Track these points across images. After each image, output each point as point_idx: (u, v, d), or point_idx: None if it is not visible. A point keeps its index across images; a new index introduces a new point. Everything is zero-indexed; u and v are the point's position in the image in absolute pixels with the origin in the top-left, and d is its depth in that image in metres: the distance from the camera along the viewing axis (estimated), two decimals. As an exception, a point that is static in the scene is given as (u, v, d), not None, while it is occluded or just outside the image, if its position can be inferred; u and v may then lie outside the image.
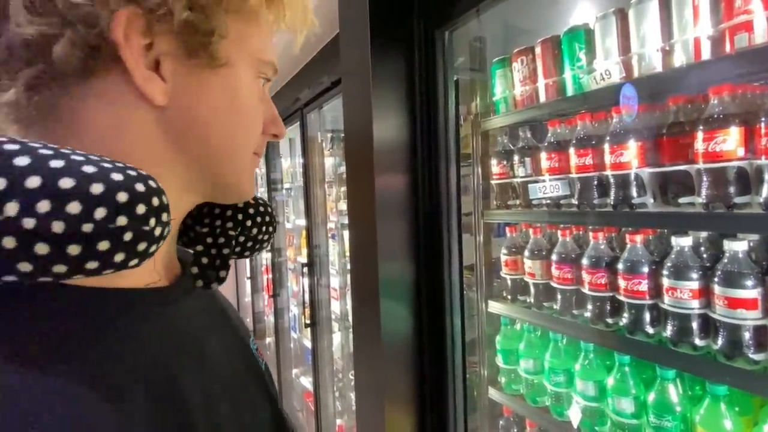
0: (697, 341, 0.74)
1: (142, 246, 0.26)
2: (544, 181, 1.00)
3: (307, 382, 2.59)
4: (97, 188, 0.24)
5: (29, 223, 0.22)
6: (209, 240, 0.42)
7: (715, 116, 0.68)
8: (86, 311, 0.28)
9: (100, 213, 0.24)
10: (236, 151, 0.37)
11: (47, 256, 0.23)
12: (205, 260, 0.40)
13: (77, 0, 0.28)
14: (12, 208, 0.22)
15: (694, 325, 0.74)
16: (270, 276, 3.06)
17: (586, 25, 0.90)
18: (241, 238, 0.46)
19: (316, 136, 2.29)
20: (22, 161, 0.23)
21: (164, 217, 0.28)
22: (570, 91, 0.93)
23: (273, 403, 0.43)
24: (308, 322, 2.20)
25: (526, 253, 1.08)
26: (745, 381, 0.67)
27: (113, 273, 0.26)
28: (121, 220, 0.25)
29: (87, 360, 0.26)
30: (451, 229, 1.33)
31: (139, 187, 0.26)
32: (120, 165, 0.26)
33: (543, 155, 1.00)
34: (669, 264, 0.77)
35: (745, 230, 0.70)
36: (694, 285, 0.73)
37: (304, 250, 2.37)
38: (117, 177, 0.25)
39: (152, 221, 0.26)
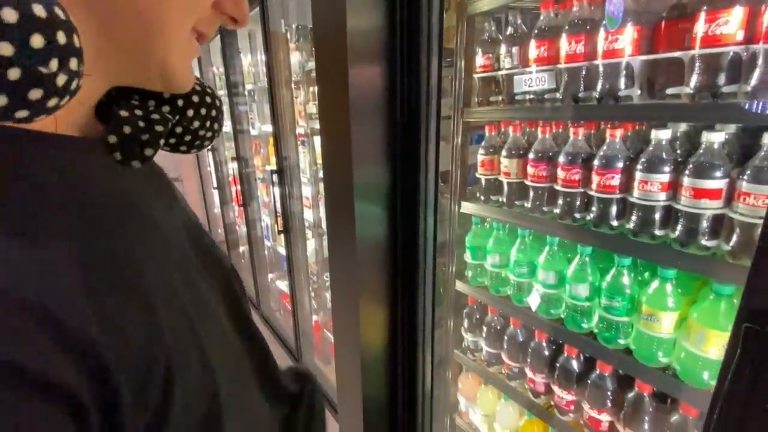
0: (656, 231, 0.78)
1: (35, 93, 0.20)
2: (530, 72, 0.94)
3: (283, 285, 2.69)
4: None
5: None
6: (138, 112, 0.33)
7: (723, -7, 0.63)
8: None
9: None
10: (169, 23, 0.29)
11: None
12: (127, 129, 0.31)
13: None
14: None
15: (657, 216, 0.78)
16: (238, 187, 2.96)
17: None
18: (179, 129, 0.38)
19: (279, 28, 2.04)
20: None
21: (73, 63, 0.21)
22: (571, -36, 0.83)
23: (227, 283, 0.39)
24: (281, 229, 2.21)
25: (503, 152, 1.06)
26: (695, 264, 0.73)
27: None
28: (4, 49, 0.18)
29: None
30: (429, 132, 1.28)
31: (38, 9, 0.19)
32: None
33: (532, 43, 0.92)
34: (644, 158, 0.77)
35: (729, 120, 0.70)
36: (665, 178, 0.75)
37: (273, 159, 2.27)
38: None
39: (53, 63, 0.20)
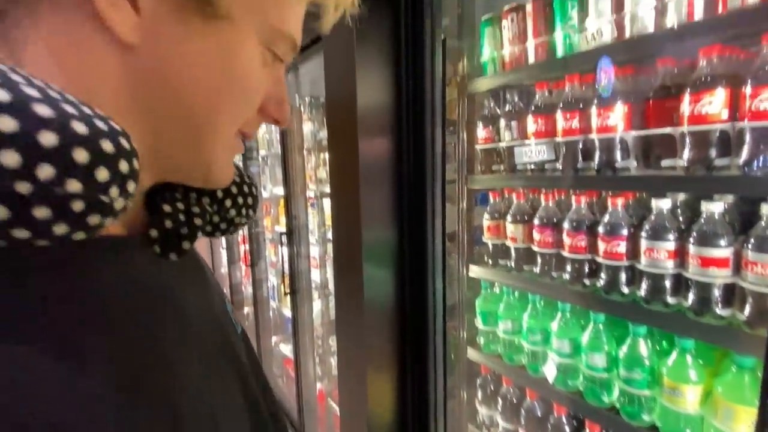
0: (669, 299, 0.77)
1: (95, 219, 0.21)
2: (529, 145, 0.99)
3: (286, 349, 2.61)
4: (48, 138, 0.19)
5: None
6: (180, 206, 0.33)
7: (704, 78, 0.68)
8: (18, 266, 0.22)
9: (44, 172, 0.19)
10: (218, 122, 0.30)
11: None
12: (169, 224, 0.32)
13: None
14: None
15: (667, 283, 0.77)
16: (247, 246, 3.00)
17: (580, -18, 0.87)
18: (216, 218, 0.38)
19: (293, 100, 2.20)
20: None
21: (130, 186, 0.23)
22: (560, 51, 0.91)
23: (245, 381, 0.38)
24: (288, 290, 2.19)
25: (509, 218, 1.09)
26: (711, 335, 0.71)
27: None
28: (72, 185, 0.19)
29: (26, 318, 0.21)
30: (435, 196, 1.32)
31: (106, 145, 0.21)
32: (85, 110, 0.21)
33: (530, 119, 0.99)
34: (647, 226, 0.79)
35: (724, 191, 0.72)
36: (671, 246, 0.76)
37: (283, 219, 2.33)
38: (79, 128, 0.20)
39: (115, 191, 0.21)
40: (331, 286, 2.12)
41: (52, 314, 0.22)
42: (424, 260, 1.30)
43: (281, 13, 0.31)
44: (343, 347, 1.41)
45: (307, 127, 2.23)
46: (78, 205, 0.20)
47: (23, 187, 0.18)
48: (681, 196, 0.83)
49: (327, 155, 1.53)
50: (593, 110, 0.84)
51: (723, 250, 0.69)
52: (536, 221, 1.00)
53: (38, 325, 0.21)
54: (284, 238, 2.25)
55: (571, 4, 0.87)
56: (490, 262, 1.19)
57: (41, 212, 0.19)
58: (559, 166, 0.94)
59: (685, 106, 0.71)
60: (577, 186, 0.94)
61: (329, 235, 1.85)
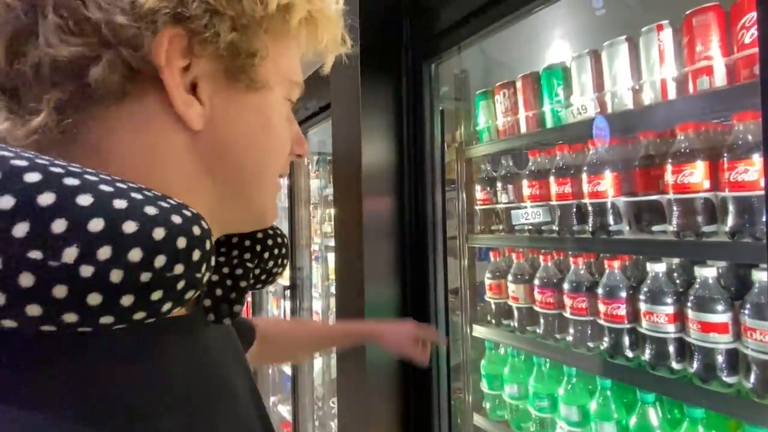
0: (674, 365, 0.76)
1: (190, 294, 0.24)
2: (525, 207, 1.03)
3: (285, 411, 2.49)
4: (159, 233, 0.22)
5: (87, 271, 0.20)
6: (225, 270, 0.37)
7: (682, 151, 0.73)
8: (111, 348, 0.26)
9: (159, 261, 0.22)
10: (266, 173, 0.35)
11: (97, 306, 0.21)
12: (219, 292, 0.36)
13: (122, 21, 0.25)
14: (70, 255, 0.20)
15: (671, 348, 0.77)
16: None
17: (564, 63, 0.96)
18: (257, 271, 0.42)
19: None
20: (84, 200, 0.21)
21: (212, 260, 0.26)
22: (549, 123, 0.98)
23: None
24: (289, 347, 2.15)
25: (510, 277, 1.10)
26: (720, 404, 0.69)
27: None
28: (178, 269, 0.23)
29: (113, 403, 0.24)
30: (436, 252, 1.35)
31: (196, 230, 0.24)
32: (174, 203, 0.25)
33: (524, 183, 1.04)
34: (645, 289, 0.80)
35: (714, 257, 0.74)
36: (669, 309, 0.76)
37: (287, 273, 2.34)
38: (176, 219, 0.23)
39: (204, 267, 0.25)
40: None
41: (137, 398, 0.25)
42: (427, 317, 1.29)
43: (294, 67, 0.36)
44: (345, 409, 1.36)
45: (314, 183, 2.32)
46: (181, 284, 0.23)
47: (145, 277, 0.22)
48: (676, 260, 0.85)
49: (332, 210, 1.58)
50: (584, 177, 0.89)
51: (721, 316, 0.70)
52: (537, 282, 1.02)
53: (123, 405, 0.25)
54: (288, 292, 2.25)
55: (556, 82, 0.95)
56: (494, 321, 1.18)
57: (157, 295, 0.22)
58: (555, 227, 0.98)
59: (669, 176, 0.75)
60: (574, 248, 0.97)
61: (332, 289, 1.85)
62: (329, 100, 1.47)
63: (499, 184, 1.13)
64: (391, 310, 1.29)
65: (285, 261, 0.45)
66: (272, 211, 0.38)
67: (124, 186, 0.23)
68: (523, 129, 1.05)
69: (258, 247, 0.42)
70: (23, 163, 0.21)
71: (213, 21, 0.28)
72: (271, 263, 0.43)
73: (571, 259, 0.96)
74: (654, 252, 0.81)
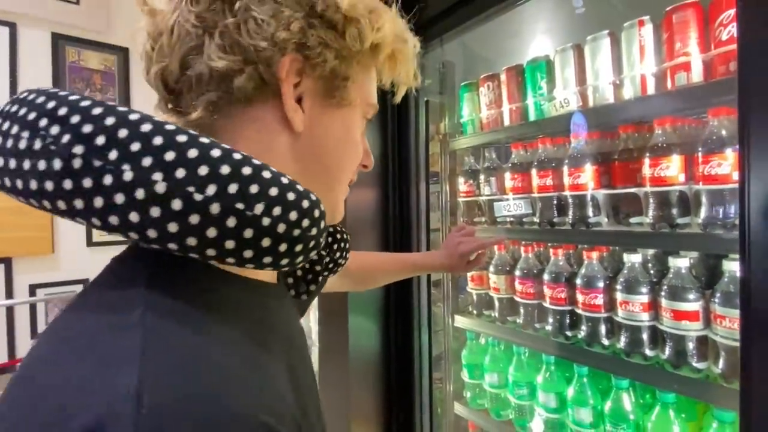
0: (648, 351, 0.79)
1: (313, 252, 0.34)
2: (508, 200, 1.05)
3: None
4: (305, 204, 0.32)
5: (265, 221, 0.30)
6: None
7: (659, 145, 0.75)
8: (244, 289, 0.36)
9: (305, 223, 0.32)
10: (343, 176, 0.43)
11: (265, 248, 0.30)
12: (299, 272, 0.47)
13: (263, 45, 0.35)
14: (259, 208, 0.30)
15: (645, 336, 0.80)
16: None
17: (547, 56, 0.97)
18: (326, 259, 0.53)
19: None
20: (267, 174, 0.31)
21: (324, 235, 0.35)
22: (532, 116, 1.00)
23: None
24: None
25: (491, 268, 1.12)
26: (690, 388, 0.72)
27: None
28: (314, 231, 0.33)
29: (248, 323, 0.33)
30: (420, 242, 1.35)
31: (321, 207, 0.34)
32: (305, 189, 0.33)
33: (507, 175, 1.05)
34: (621, 279, 0.82)
35: (687, 248, 0.77)
36: (644, 299, 0.79)
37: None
38: (312, 197, 0.33)
39: (321, 237, 0.34)
40: (315, 336, 2.07)
41: (253, 322, 0.35)
42: (410, 310, 1.30)
43: (373, 92, 0.44)
44: (327, 399, 1.36)
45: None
46: (312, 243, 0.33)
47: (297, 232, 0.32)
48: (651, 251, 0.88)
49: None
50: (565, 169, 0.91)
51: (692, 304, 0.72)
52: (517, 272, 1.03)
53: (268, 327, 0.36)
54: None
55: (540, 75, 0.96)
56: (475, 312, 1.20)
57: (299, 247, 0.32)
58: (536, 219, 0.99)
59: (646, 169, 0.77)
60: (554, 239, 0.99)
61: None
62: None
63: (482, 177, 1.14)
64: (375, 302, 1.30)
65: (347, 254, 0.56)
66: (341, 209, 0.46)
67: (274, 169, 0.32)
68: (507, 122, 1.05)
69: (330, 239, 0.53)
70: (230, 150, 0.31)
71: (323, 51, 0.37)
72: (338, 254, 0.54)
73: (551, 251, 0.98)
74: (631, 243, 0.83)
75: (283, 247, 0.31)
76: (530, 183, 0.99)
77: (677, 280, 0.75)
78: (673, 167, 0.74)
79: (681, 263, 0.75)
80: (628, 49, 0.81)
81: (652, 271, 0.86)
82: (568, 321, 0.94)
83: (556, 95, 0.93)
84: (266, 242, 0.30)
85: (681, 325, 0.73)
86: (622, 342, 0.82)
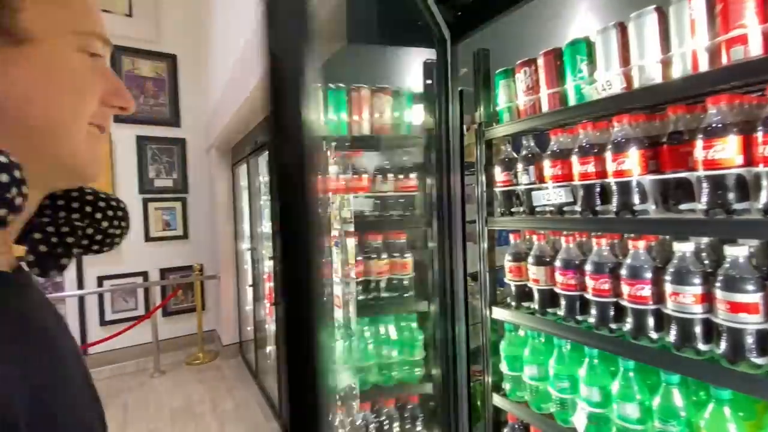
0: (701, 346, 0.75)
1: (1, 211, 0.29)
2: (547, 188, 1.02)
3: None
4: None
5: None
6: (50, 229, 0.41)
7: (713, 125, 0.70)
8: None
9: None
10: (63, 125, 0.35)
11: None
12: (43, 248, 0.39)
13: None
14: None
15: (697, 329, 0.75)
16: (272, 284, 3.05)
17: (588, 38, 0.93)
18: (90, 230, 0.44)
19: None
20: None
21: (24, 188, 0.30)
22: (572, 100, 0.96)
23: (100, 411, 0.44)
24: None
25: (530, 259, 1.09)
26: (749, 385, 0.68)
27: None
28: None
29: None
30: (455, 234, 1.35)
31: (15, 172, 0.29)
32: None
33: (546, 163, 1.02)
34: (671, 269, 0.78)
35: (745, 236, 0.71)
36: (697, 290, 0.74)
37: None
38: (2, 159, 0.29)
39: (14, 190, 0.29)
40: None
41: None
42: (447, 300, 1.30)
43: (76, 18, 0.36)
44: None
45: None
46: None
47: None
48: (705, 239, 0.82)
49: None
50: (608, 155, 0.87)
51: (752, 296, 0.67)
52: (558, 263, 1.01)
53: None
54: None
55: (580, 57, 0.92)
56: (514, 304, 1.18)
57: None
58: (577, 208, 0.96)
59: (699, 152, 0.72)
60: (597, 229, 0.95)
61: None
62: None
63: (519, 165, 1.11)
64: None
65: (123, 224, 0.47)
66: (88, 163, 0.38)
67: None
68: (545, 108, 1.02)
69: (88, 208, 0.44)
70: None
71: None
72: (105, 223, 0.45)
73: (594, 240, 0.94)
74: (682, 231, 0.79)
75: None
76: (571, 170, 0.96)
77: (734, 270, 0.70)
78: (729, 149, 0.69)
79: (739, 252, 0.70)
80: (677, 23, 0.76)
81: (705, 261, 0.80)
82: (612, 313, 0.90)
83: (598, 78, 0.89)
84: None
85: (739, 318, 0.68)
86: (672, 335, 0.78)
